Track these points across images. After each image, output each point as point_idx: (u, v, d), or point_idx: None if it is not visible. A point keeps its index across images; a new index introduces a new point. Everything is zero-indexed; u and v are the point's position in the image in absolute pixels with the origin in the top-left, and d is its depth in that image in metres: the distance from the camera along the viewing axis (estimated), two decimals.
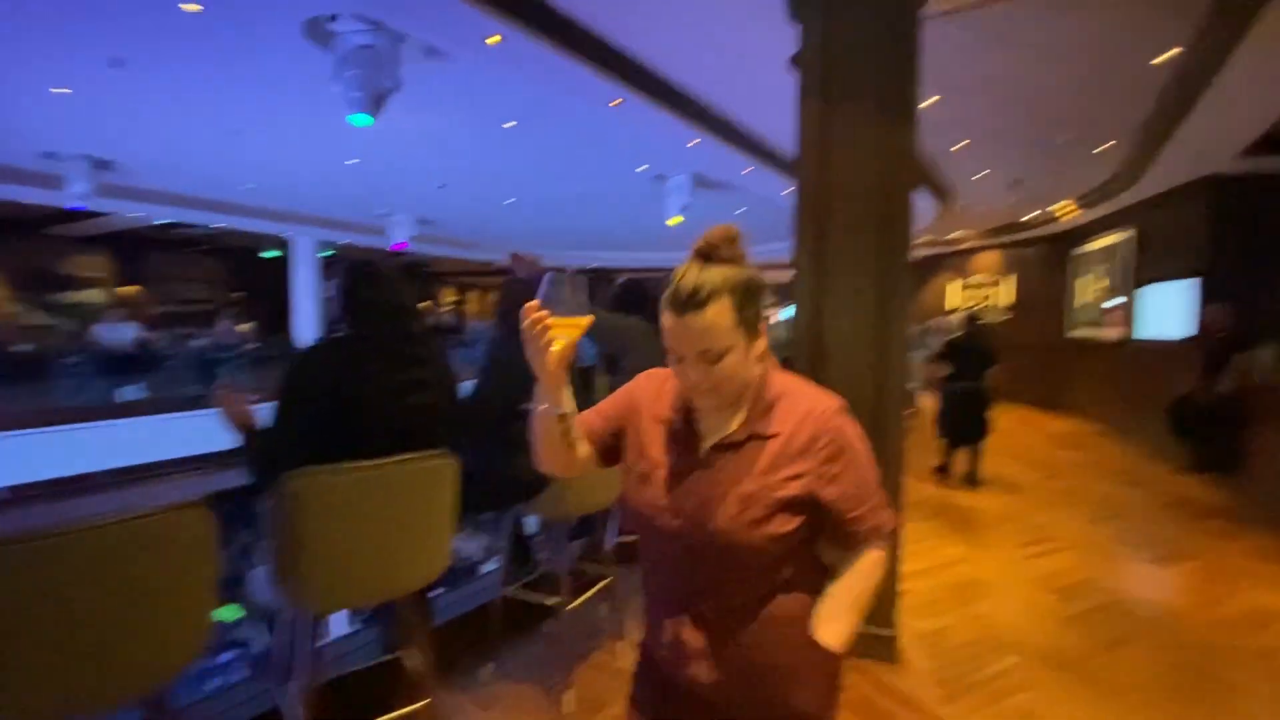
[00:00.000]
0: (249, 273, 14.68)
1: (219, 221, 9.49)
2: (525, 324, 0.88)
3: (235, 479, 1.98)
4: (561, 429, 0.97)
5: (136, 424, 7.67)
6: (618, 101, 3.94)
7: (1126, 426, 7.38)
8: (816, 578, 1.01)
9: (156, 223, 10.96)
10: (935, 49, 3.32)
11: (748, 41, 3.35)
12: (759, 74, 3.74)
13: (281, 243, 12.20)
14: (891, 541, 0.97)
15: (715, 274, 0.89)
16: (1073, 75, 3.95)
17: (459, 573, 4.27)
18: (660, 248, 13.24)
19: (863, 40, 2.38)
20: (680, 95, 4.20)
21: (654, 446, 1.00)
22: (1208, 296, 6.00)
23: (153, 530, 1.09)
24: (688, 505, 0.94)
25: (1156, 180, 6.08)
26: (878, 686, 2.35)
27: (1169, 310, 6.67)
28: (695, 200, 7.20)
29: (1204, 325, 5.65)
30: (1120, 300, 7.78)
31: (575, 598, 2.32)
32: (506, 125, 5.40)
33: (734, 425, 0.96)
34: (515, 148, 6.11)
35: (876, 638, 2.50)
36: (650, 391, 1.05)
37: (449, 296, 20.77)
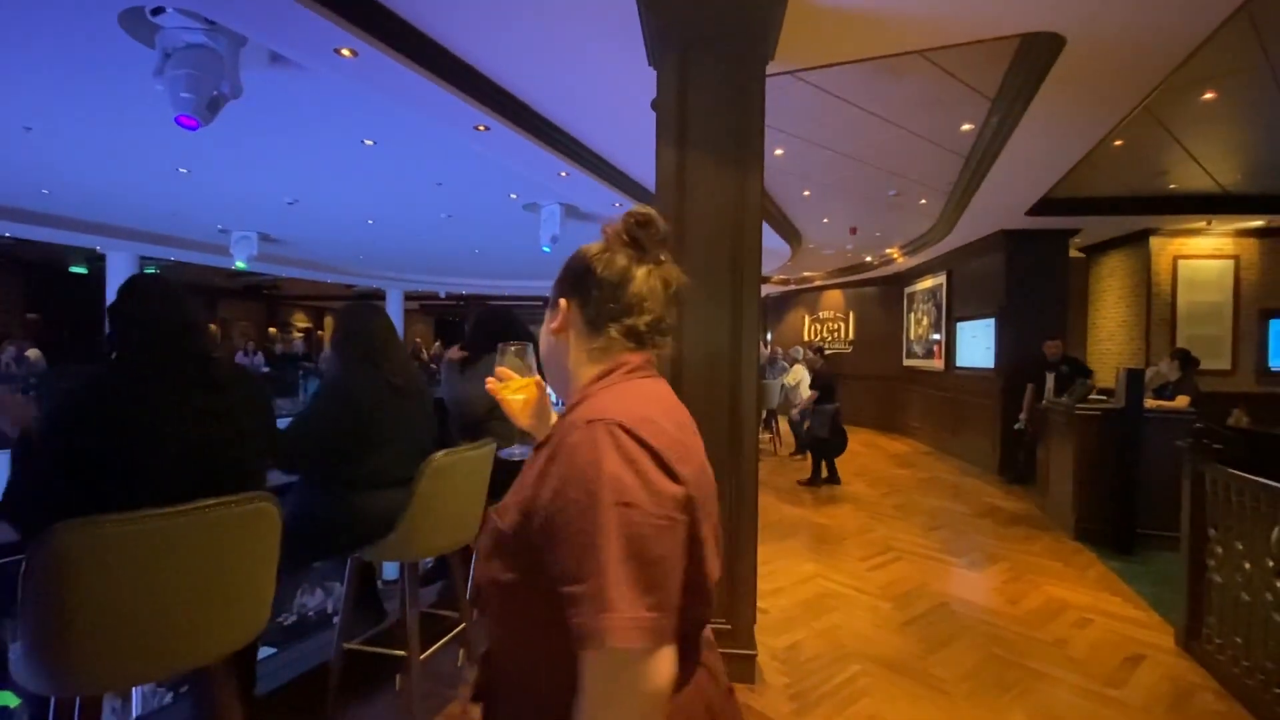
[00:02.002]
0: (52, 291, 12.59)
1: (6, 230, 8.07)
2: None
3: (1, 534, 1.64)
4: None
5: None
6: (483, 128, 3.88)
7: (949, 446, 8.36)
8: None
9: None
10: (780, 103, 3.65)
11: (614, 82, 3.46)
12: (626, 113, 3.88)
13: (95, 257, 10.63)
14: (648, 672, 0.62)
15: (582, 249, 0.87)
16: (896, 136, 4.50)
17: (301, 629, 3.83)
18: (537, 276, 13.15)
19: (714, 90, 2.55)
20: (549, 126, 4.23)
21: None
22: (1003, 333, 7.01)
23: None
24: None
25: (964, 232, 7.05)
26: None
27: (977, 345, 7.71)
28: (567, 231, 7.24)
29: (1046, 356, 6.35)
30: (939, 336, 8.87)
31: (426, 648, 2.16)
32: (366, 143, 5.14)
33: None
34: (376, 166, 5.82)
35: (737, 658, 2.57)
36: None
37: (301, 322, 19.13)
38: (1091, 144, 4.28)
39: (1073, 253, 7.45)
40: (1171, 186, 5.75)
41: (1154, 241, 6.75)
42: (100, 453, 1.31)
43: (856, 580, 3.78)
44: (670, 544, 0.65)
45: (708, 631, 0.85)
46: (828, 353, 6.47)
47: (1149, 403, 4.64)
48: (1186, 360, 5.06)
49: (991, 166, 4.75)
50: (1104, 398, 4.89)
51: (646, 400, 0.76)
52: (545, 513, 0.66)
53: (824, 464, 6.36)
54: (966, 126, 4.33)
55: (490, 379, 1.02)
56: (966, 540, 4.68)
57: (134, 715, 2.33)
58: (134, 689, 2.26)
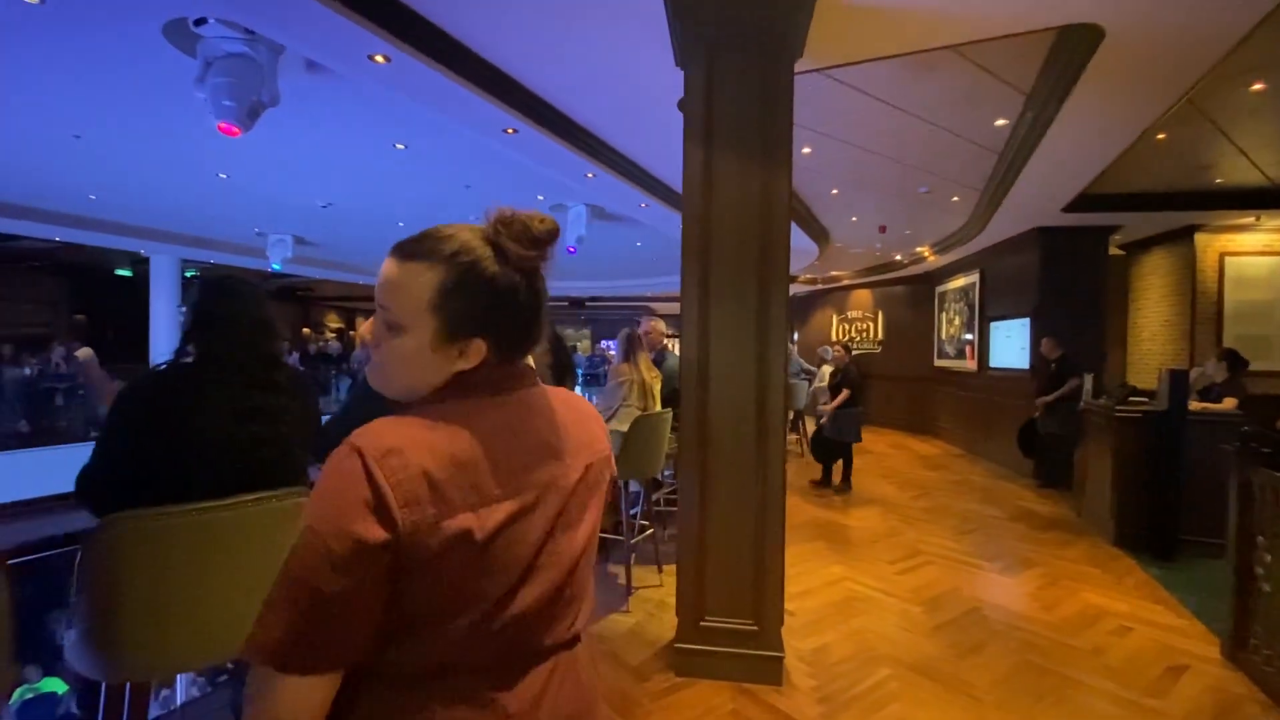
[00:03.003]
0: (97, 293, 13.10)
1: (56, 235, 8.42)
2: None
3: (53, 527, 1.72)
4: None
5: None
6: (511, 131, 3.93)
7: (982, 448, 8.18)
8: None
9: None
10: (808, 101, 3.62)
11: (642, 83, 3.47)
12: (653, 114, 3.88)
13: (138, 261, 11.03)
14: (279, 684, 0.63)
15: (459, 240, 0.74)
16: (927, 133, 4.42)
17: None
18: (561, 276, 13.25)
19: (741, 90, 2.54)
20: (576, 128, 4.26)
21: None
22: (1038, 333, 6.85)
23: None
24: None
25: (997, 230, 6.90)
26: (765, 709, 2.39)
27: (1011, 345, 7.53)
28: (593, 232, 7.28)
29: (1041, 355, 6.46)
30: (971, 336, 8.68)
31: None
32: (397, 147, 5.24)
33: None
34: (407, 170, 5.93)
35: (764, 659, 2.56)
36: None
37: (333, 323, 19.56)
38: (1132, 138, 4.15)
39: (1113, 250, 7.23)
40: (1218, 181, 5.54)
41: (1199, 238, 6.51)
42: (162, 443, 1.37)
43: (885, 583, 3.73)
44: (340, 583, 0.63)
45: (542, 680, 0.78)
46: (855, 352, 6.31)
47: (1193, 405, 4.48)
48: (1235, 361, 4.87)
49: (1027, 163, 4.64)
50: (1144, 399, 4.74)
51: (431, 429, 0.70)
52: None
53: (837, 468, 6.16)
54: (1000, 122, 4.24)
55: None
56: (999, 545, 4.58)
57: (177, 703, 2.42)
58: (178, 677, 2.35)
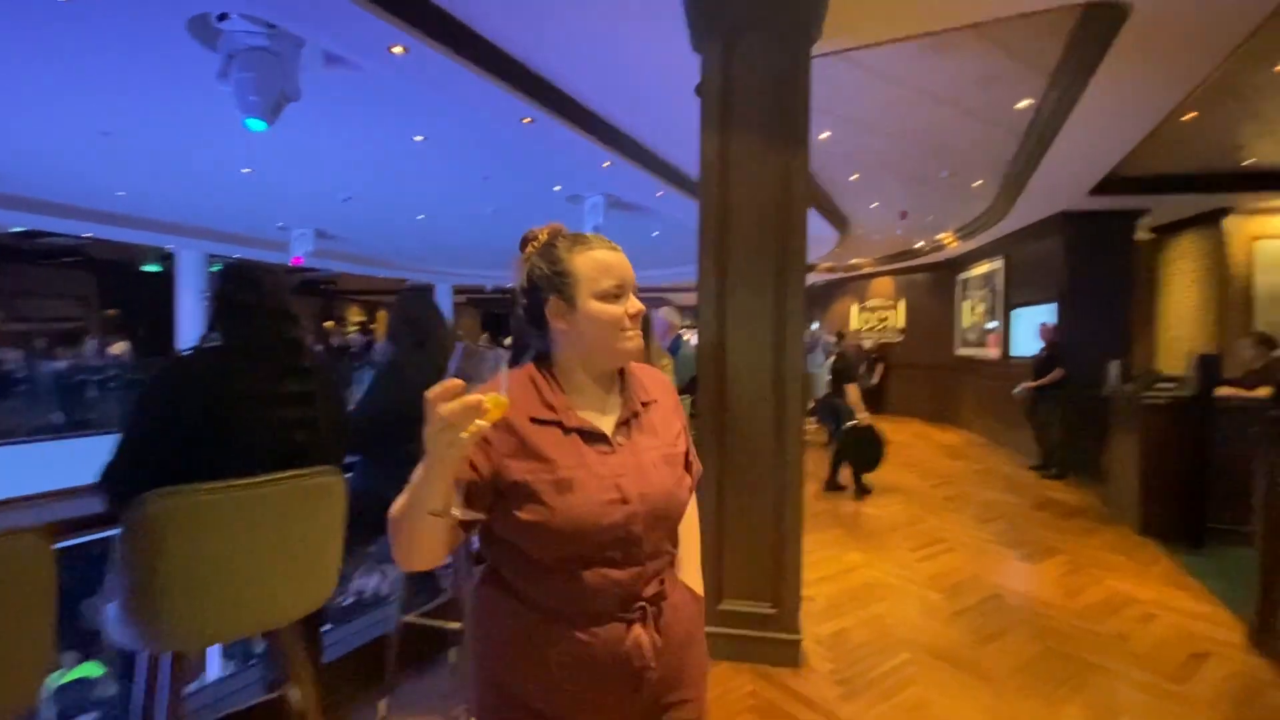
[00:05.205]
0: (125, 288, 13.43)
1: (86, 231, 8.63)
2: (449, 407, 0.71)
3: (89, 507, 1.79)
4: (448, 524, 0.84)
5: None
6: (528, 120, 3.95)
7: (1005, 438, 8.07)
8: None
9: (13, 230, 9.83)
10: (826, 85, 3.59)
11: (658, 69, 3.47)
12: (668, 100, 3.88)
13: (165, 256, 11.25)
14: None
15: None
16: (948, 116, 4.36)
17: (358, 610, 4.02)
18: None
19: (759, 74, 2.53)
20: (592, 117, 4.27)
21: (556, 450, 0.89)
22: (1064, 320, 6.74)
23: None
24: (629, 486, 0.90)
25: (1021, 215, 6.78)
26: (782, 690, 2.42)
27: (1036, 332, 7.40)
28: (610, 222, 7.29)
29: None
30: (995, 324, 8.55)
31: None
32: (416, 139, 5.29)
33: (612, 403, 0.98)
34: (426, 162, 5.98)
35: (782, 642, 2.58)
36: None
37: (355, 316, 19.80)
38: (1159, 118, 4.05)
39: (1141, 234, 7.07)
40: (1250, 161, 5.38)
41: (1229, 222, 6.34)
42: (194, 426, 1.42)
43: (905, 570, 3.72)
44: None
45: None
46: (839, 346, 5.96)
47: (1221, 390, 4.37)
48: (1271, 345, 4.72)
49: (1051, 145, 4.55)
50: (1171, 385, 4.64)
51: None
52: (685, 424, 1.08)
53: (842, 468, 5.57)
54: (1023, 103, 4.16)
55: (458, 385, 0.73)
56: (1022, 532, 4.54)
57: (212, 678, 2.50)
58: (210, 655, 2.43)
